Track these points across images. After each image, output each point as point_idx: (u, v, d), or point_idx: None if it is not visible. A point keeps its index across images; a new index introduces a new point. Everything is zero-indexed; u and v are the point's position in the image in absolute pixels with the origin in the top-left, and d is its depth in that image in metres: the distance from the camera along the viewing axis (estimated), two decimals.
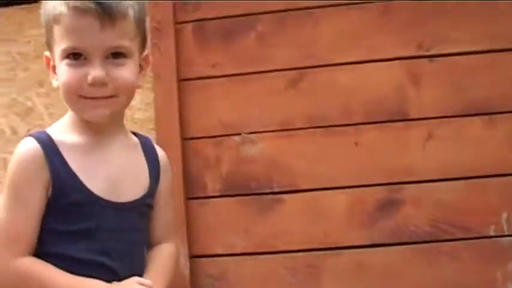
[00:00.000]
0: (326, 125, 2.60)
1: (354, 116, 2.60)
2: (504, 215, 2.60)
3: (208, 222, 2.62)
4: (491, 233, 2.61)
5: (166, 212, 1.51)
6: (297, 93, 2.60)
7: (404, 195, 2.60)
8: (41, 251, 1.33)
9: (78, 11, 1.32)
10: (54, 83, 1.40)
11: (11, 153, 2.70)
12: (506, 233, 2.61)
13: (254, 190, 2.61)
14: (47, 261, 1.32)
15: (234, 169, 2.61)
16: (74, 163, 1.33)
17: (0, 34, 2.64)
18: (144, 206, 1.42)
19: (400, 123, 2.60)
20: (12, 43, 2.74)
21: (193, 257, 2.61)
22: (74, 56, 1.34)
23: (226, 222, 2.61)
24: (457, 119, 2.60)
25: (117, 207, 1.36)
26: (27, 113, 2.77)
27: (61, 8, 1.34)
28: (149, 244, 1.48)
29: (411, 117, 2.60)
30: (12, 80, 2.78)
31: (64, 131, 1.38)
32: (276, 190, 2.60)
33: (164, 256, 1.48)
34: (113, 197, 1.36)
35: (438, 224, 2.61)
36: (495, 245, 2.61)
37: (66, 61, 1.34)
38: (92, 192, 1.34)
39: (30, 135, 1.36)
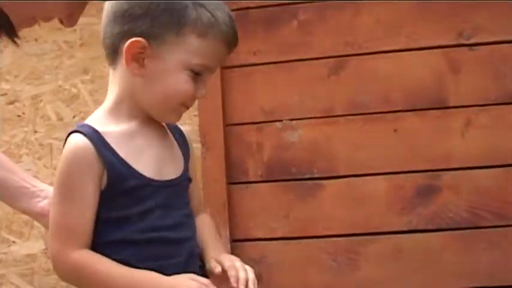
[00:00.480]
0: (366, 112, 2.63)
1: (394, 104, 2.63)
2: None
3: (250, 207, 2.67)
4: None
5: (196, 183, 1.57)
6: (337, 81, 2.64)
7: (443, 182, 2.62)
8: (97, 241, 1.37)
9: (228, 41, 1.41)
10: (133, 72, 1.39)
11: (56, 139, 2.81)
12: None
13: (295, 175, 2.66)
14: (104, 250, 1.36)
15: (275, 155, 2.66)
16: (122, 151, 1.38)
17: (47, 23, 2.69)
18: (186, 180, 1.48)
19: (439, 111, 2.62)
20: (58, 32, 2.80)
21: (234, 241, 2.66)
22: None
23: (267, 207, 2.66)
24: (496, 106, 2.62)
25: (166, 185, 1.42)
26: (72, 99, 2.84)
27: (218, 27, 1.39)
28: None
29: (450, 105, 2.62)
30: (58, 68, 2.85)
31: (104, 122, 1.41)
32: (316, 176, 2.65)
33: (211, 225, 1.55)
34: (160, 177, 1.42)
35: (476, 211, 2.63)
36: None
37: (189, 72, 1.39)
38: (143, 176, 1.39)
39: (76, 131, 1.38)
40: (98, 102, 2.71)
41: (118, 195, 1.37)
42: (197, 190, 1.57)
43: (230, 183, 2.67)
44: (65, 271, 1.36)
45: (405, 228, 2.63)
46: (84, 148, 1.35)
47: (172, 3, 1.39)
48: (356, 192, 2.64)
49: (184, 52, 1.39)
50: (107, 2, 1.44)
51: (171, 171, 1.44)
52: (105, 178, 1.36)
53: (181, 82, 1.39)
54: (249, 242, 2.67)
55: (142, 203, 1.38)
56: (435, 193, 2.62)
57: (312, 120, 2.64)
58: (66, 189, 1.36)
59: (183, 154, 1.49)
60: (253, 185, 2.67)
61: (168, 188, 1.42)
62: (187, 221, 1.46)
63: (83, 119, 2.75)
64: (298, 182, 2.65)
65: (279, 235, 2.65)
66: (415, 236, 2.63)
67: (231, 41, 1.42)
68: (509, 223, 2.63)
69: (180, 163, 1.47)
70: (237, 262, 1.43)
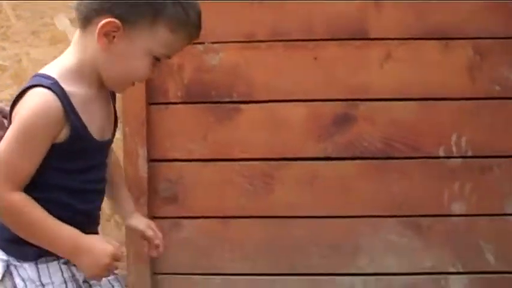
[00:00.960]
0: (287, 39, 2.66)
1: (315, 32, 2.66)
2: (453, 137, 2.70)
3: (168, 128, 2.68)
4: (441, 154, 2.71)
5: None
6: (260, 6, 2.66)
7: (360, 112, 2.68)
8: (42, 182, 1.50)
9: (191, 39, 1.57)
10: (102, 46, 1.50)
11: None
12: (455, 155, 2.70)
13: (214, 98, 2.68)
14: (52, 192, 1.52)
15: (196, 77, 2.67)
16: (84, 116, 1.52)
17: None
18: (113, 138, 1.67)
19: (360, 42, 2.66)
20: None
21: (151, 160, 2.67)
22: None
23: (185, 129, 2.68)
24: (415, 41, 2.67)
25: (105, 145, 1.62)
26: None
27: (188, 27, 1.53)
28: None
29: (371, 36, 2.66)
30: None
31: (69, 81, 1.52)
32: (236, 99, 2.67)
33: (123, 175, 1.88)
34: (103, 138, 1.59)
35: (391, 142, 2.70)
36: (443, 165, 2.71)
37: (151, 58, 1.53)
38: (94, 139, 1.54)
39: (46, 87, 1.48)
40: (20, 17, 2.72)
41: (73, 152, 1.52)
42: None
43: (150, 103, 2.67)
44: (2, 208, 1.47)
45: (321, 155, 2.69)
46: (54, 109, 1.48)
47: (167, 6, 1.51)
48: (274, 118, 2.68)
49: (153, 41, 1.52)
50: None
51: (108, 132, 1.62)
52: (64, 136, 1.50)
53: (143, 66, 1.54)
54: (167, 163, 2.69)
55: (90, 160, 1.57)
56: (351, 122, 2.68)
57: (234, 44, 2.66)
58: (27, 138, 1.47)
59: (115, 115, 1.66)
60: (173, 106, 2.68)
61: (105, 147, 1.63)
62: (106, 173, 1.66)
63: (4, 34, 2.73)
64: (217, 104, 2.67)
65: (197, 156, 2.67)
66: (330, 163, 2.69)
67: (194, 37, 1.58)
68: (422, 155, 2.71)
69: (112, 124, 1.64)
70: (152, 225, 1.78)
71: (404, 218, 2.72)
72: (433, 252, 2.74)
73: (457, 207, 2.72)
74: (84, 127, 1.52)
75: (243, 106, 2.67)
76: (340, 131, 2.68)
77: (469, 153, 2.70)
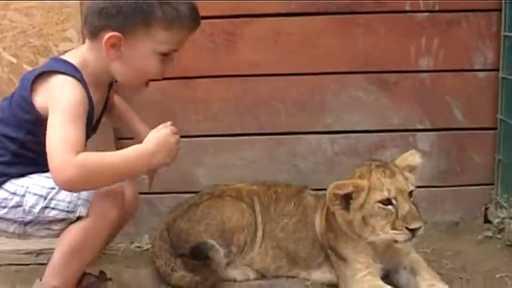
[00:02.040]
0: None
1: None
2: None
3: None
4: (407, 8, 2.65)
5: None
6: None
7: None
8: None
9: (189, 29, 1.91)
10: (111, 57, 1.87)
11: None
12: (422, 9, 2.65)
13: None
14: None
15: None
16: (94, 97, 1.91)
17: None
18: None
19: None
20: None
21: None
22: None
23: None
24: None
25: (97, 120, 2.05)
26: None
27: (181, 20, 1.86)
28: None
29: None
30: None
31: (86, 73, 1.89)
32: None
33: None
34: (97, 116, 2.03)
35: None
36: (410, 20, 2.67)
37: (158, 55, 1.88)
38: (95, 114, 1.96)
39: (73, 77, 1.84)
40: None
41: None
42: None
43: None
44: (74, 172, 1.73)
45: (284, 11, 2.62)
46: (82, 94, 1.85)
47: (141, 3, 1.81)
48: None
49: (153, 42, 1.86)
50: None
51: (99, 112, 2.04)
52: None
53: (152, 65, 1.89)
54: None
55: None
56: None
57: None
58: (73, 116, 1.79)
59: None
60: None
61: (97, 123, 2.05)
62: None
63: None
64: None
65: None
66: (295, 19, 2.64)
67: (192, 28, 1.92)
68: (388, 9, 2.65)
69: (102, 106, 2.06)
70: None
71: (371, 74, 2.69)
72: (400, 109, 2.72)
73: (424, 63, 2.69)
74: (93, 109, 1.90)
75: None
76: None
77: (437, 8, 2.65)
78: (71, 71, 1.86)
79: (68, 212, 1.89)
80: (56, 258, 1.93)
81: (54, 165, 1.74)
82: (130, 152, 1.82)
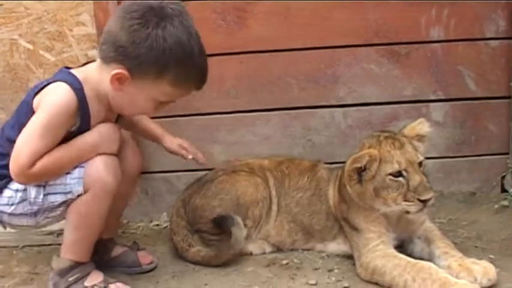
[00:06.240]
0: None
1: None
2: None
3: None
4: None
5: None
6: None
7: None
8: None
9: (195, 89, 2.02)
10: (114, 87, 1.96)
11: None
12: None
13: None
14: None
15: None
16: (92, 114, 2.00)
17: None
18: None
19: None
20: None
21: None
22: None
23: None
24: None
25: None
26: None
27: (190, 84, 1.99)
28: None
29: None
30: None
31: (90, 89, 1.98)
32: None
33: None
34: None
35: None
36: None
37: (156, 102, 2.00)
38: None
39: (68, 84, 1.94)
40: None
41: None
42: None
43: None
44: (29, 180, 1.94)
45: None
46: (70, 103, 1.93)
47: (158, 58, 1.88)
48: None
49: (157, 92, 1.96)
50: (112, 23, 1.92)
51: None
52: (74, 128, 1.98)
53: (147, 108, 2.01)
54: None
55: None
56: None
57: None
58: (47, 127, 1.90)
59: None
60: None
61: None
62: None
63: None
64: None
65: None
66: None
67: (196, 89, 2.01)
68: None
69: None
70: (184, 144, 2.36)
71: (382, 46, 2.69)
72: (413, 80, 2.73)
73: (435, 33, 2.68)
74: (89, 126, 1.99)
75: None
76: None
77: None
78: (71, 80, 1.96)
79: (66, 193, 1.99)
80: (67, 234, 2.05)
81: (13, 170, 1.91)
82: (77, 145, 1.98)
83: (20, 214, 2.04)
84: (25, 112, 1.98)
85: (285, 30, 2.66)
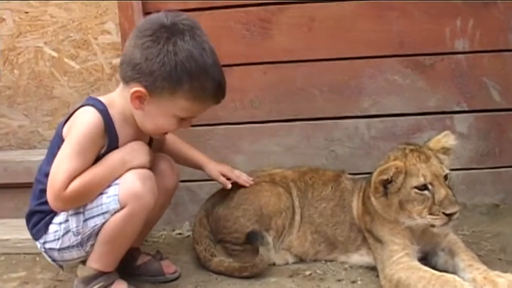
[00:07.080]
0: None
1: None
2: None
3: None
4: None
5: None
6: None
7: None
8: None
9: (213, 102, 2.03)
10: (135, 106, 2.00)
11: None
12: None
13: None
14: None
15: None
16: (120, 133, 2.03)
17: None
18: None
19: None
20: None
21: (146, 13, 2.64)
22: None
23: None
24: None
25: None
26: None
27: (205, 97, 1.98)
28: None
29: None
30: None
31: (116, 112, 2.03)
32: None
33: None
34: None
35: None
36: (445, 2, 2.66)
37: (177, 118, 2.01)
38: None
39: (97, 109, 1.98)
40: None
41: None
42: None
43: None
44: (65, 205, 1.97)
45: None
46: (98, 126, 1.98)
47: (170, 73, 1.92)
48: None
49: (174, 107, 1.99)
50: (128, 43, 1.97)
51: None
52: (103, 149, 2.02)
53: (170, 125, 2.04)
54: None
55: None
56: None
57: None
58: (79, 149, 1.94)
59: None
60: None
61: None
62: None
63: None
64: None
65: (192, 6, 2.65)
66: (328, 4, 2.65)
67: (213, 104, 2.03)
68: None
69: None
70: (224, 170, 2.38)
71: (407, 57, 2.68)
72: (437, 91, 2.72)
73: (460, 44, 2.68)
74: (117, 146, 2.02)
75: None
76: None
77: None
78: (95, 103, 2.01)
79: (103, 214, 1.99)
80: (98, 246, 2.05)
81: (49, 196, 1.95)
82: (110, 157, 2.01)
83: (68, 247, 2.06)
84: (57, 144, 2.01)
85: (309, 41, 2.66)
